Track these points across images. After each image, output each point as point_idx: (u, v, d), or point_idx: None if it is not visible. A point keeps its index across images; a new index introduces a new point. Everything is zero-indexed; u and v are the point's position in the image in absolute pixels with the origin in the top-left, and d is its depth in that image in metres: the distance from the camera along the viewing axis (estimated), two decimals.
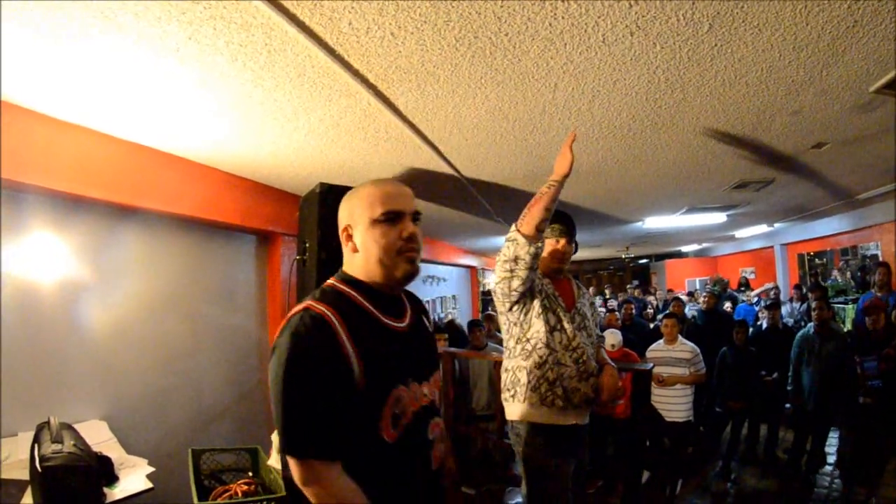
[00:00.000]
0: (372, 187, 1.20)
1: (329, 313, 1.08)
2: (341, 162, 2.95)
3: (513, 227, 1.97)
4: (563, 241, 2.18)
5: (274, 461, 2.04)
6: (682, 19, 1.57)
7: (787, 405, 4.47)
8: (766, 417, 4.53)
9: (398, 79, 1.90)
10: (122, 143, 2.42)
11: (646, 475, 3.89)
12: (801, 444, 4.17)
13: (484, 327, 4.71)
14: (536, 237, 1.91)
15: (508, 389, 2.08)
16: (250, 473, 2.21)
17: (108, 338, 2.55)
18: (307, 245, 2.19)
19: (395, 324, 1.21)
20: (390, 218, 1.15)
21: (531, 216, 1.91)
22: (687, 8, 1.51)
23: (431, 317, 1.35)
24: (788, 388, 4.29)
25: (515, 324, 2.08)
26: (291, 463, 1.04)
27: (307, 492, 1.04)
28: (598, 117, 2.45)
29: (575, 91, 2.10)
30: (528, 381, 2.01)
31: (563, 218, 2.22)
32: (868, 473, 3.64)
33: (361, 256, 1.19)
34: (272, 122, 2.27)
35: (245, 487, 1.98)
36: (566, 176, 1.91)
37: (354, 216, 1.20)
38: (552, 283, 2.16)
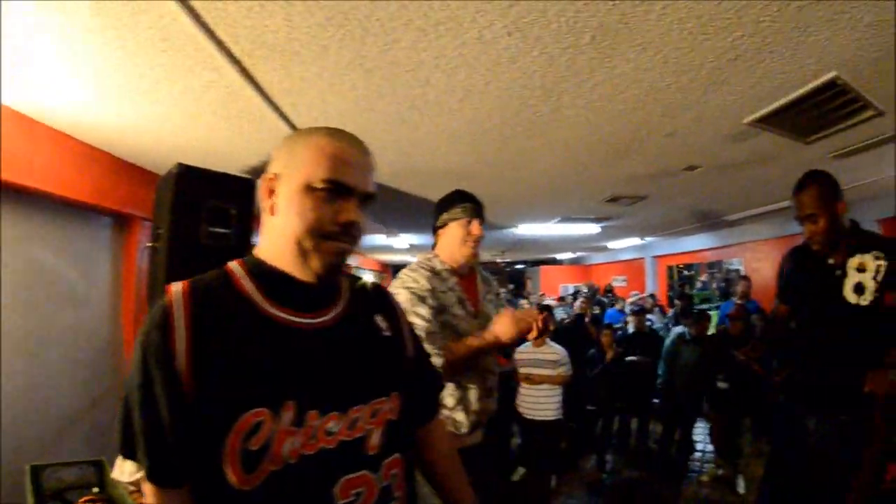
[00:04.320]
0: (327, 138, 0.86)
1: (179, 300, 0.79)
2: (202, 142, 2.69)
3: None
4: (476, 223, 1.78)
5: (117, 474, 1.82)
6: (563, 26, 1.56)
7: (656, 400, 4.83)
8: (637, 412, 4.85)
9: (263, 56, 1.76)
10: None
11: (522, 471, 4.04)
12: (671, 434, 4.56)
13: None
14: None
15: None
16: (96, 489, 1.94)
17: None
18: (160, 232, 1.99)
19: (301, 319, 0.84)
20: (332, 190, 0.83)
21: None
22: (570, 15, 1.50)
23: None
24: (658, 382, 4.67)
25: None
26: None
27: None
28: (468, 117, 2.37)
29: (446, 88, 2.03)
30: None
31: (471, 196, 1.84)
32: (731, 454, 4.11)
33: (277, 226, 0.86)
34: (133, 89, 2.03)
35: None
36: (499, 342, 1.62)
37: (289, 166, 0.85)
38: (459, 281, 1.82)
